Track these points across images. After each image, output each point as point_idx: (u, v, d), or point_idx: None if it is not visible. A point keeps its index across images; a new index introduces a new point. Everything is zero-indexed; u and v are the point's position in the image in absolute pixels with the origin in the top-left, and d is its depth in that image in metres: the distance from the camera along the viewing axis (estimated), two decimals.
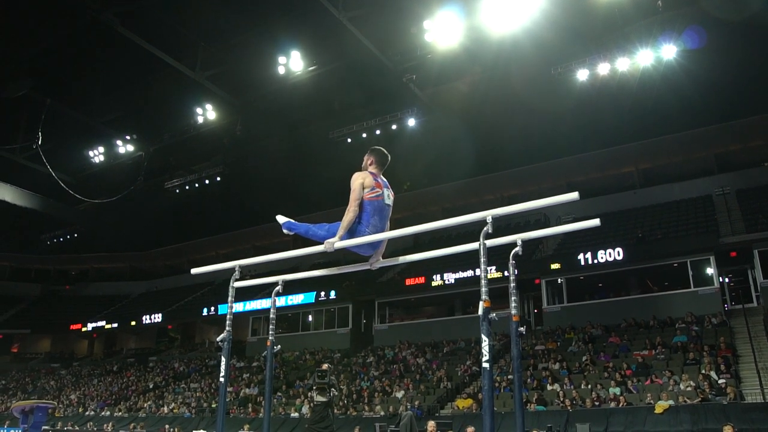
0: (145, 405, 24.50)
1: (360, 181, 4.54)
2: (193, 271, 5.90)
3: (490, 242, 3.94)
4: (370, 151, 4.80)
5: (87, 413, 25.64)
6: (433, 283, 23.39)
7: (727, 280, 20.42)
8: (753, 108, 22.81)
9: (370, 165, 4.72)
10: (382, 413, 17.11)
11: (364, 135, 23.73)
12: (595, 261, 20.13)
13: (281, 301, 25.63)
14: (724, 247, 19.50)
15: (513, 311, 4.01)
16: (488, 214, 3.84)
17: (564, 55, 19.97)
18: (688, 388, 13.76)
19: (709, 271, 19.38)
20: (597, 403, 14.33)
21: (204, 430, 18.85)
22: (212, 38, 21.08)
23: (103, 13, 17.99)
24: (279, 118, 24.99)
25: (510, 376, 16.69)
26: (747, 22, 17.71)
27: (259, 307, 27.50)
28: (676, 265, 19.97)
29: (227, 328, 5.21)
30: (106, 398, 27.35)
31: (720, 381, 13.78)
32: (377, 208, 4.54)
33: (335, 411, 14.45)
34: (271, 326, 5.46)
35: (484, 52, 19.55)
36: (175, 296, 36.25)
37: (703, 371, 14.34)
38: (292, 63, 20.85)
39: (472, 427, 10.96)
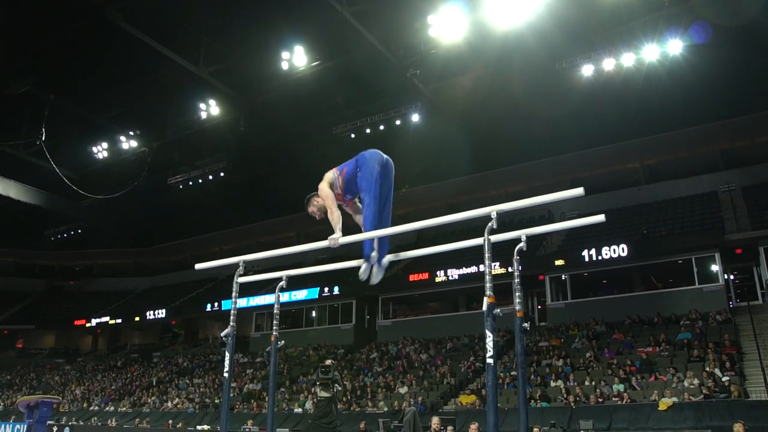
0: (149, 400, 24.60)
1: (325, 185, 4.84)
2: (197, 266, 5.91)
3: (494, 238, 3.94)
4: None
5: (91, 408, 25.77)
6: (437, 279, 23.39)
7: (732, 277, 20.35)
8: (759, 104, 22.66)
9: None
10: (386, 409, 17.16)
11: (368, 130, 23.73)
12: (599, 257, 20.08)
13: (285, 297, 25.67)
14: (729, 243, 19.39)
15: (517, 307, 4.01)
16: (493, 210, 3.84)
17: (568, 50, 19.91)
18: (692, 386, 13.73)
19: (714, 268, 19.31)
20: (601, 400, 14.32)
21: (207, 425, 18.93)
22: (215, 33, 21.08)
23: (106, 8, 18.02)
24: (282, 114, 25.00)
25: (513, 373, 16.69)
26: (750, 20, 17.62)
27: (262, 303, 27.58)
28: (680, 261, 19.91)
29: (231, 324, 5.22)
30: (110, 393, 27.47)
31: (724, 378, 13.73)
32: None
33: (339, 407, 14.49)
34: (275, 322, 5.48)
35: (488, 48, 19.50)
36: (179, 292, 36.34)
37: (708, 368, 14.30)
38: (296, 58, 20.85)
39: (476, 423, 10.97)
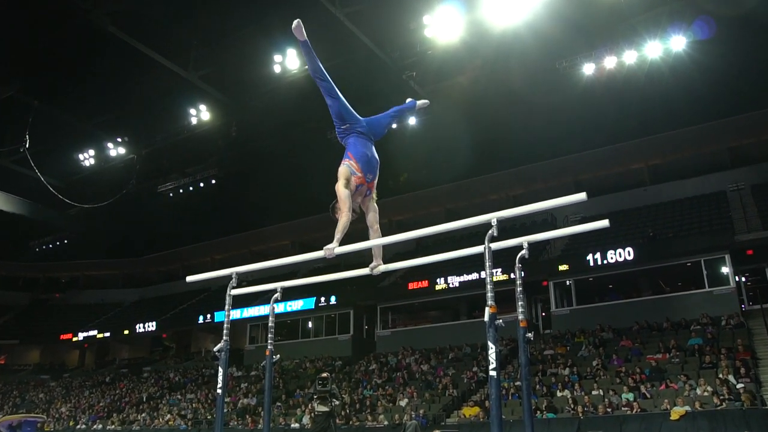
0: (139, 417, 24.50)
1: (341, 184, 4.78)
2: (189, 279, 5.92)
3: (495, 245, 3.96)
4: None
5: (78, 427, 25.63)
6: (437, 287, 23.39)
7: (743, 279, 20.34)
8: (767, 99, 22.75)
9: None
10: (386, 423, 17.11)
11: None
12: (605, 261, 20.08)
13: (280, 308, 25.62)
14: (739, 244, 19.42)
15: (520, 317, 4.02)
16: (493, 217, 3.86)
17: (568, 48, 19.98)
18: (705, 393, 13.71)
19: (725, 270, 19.31)
20: (609, 410, 14.30)
21: None
22: (205, 36, 21.11)
23: (94, 12, 18.03)
24: (275, 118, 25.00)
25: (518, 383, 16.67)
26: (755, 12, 17.71)
27: (257, 314, 27.53)
28: (689, 264, 19.92)
29: (225, 338, 5.22)
30: (99, 411, 27.33)
31: (739, 386, 13.69)
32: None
33: (337, 421, 14.44)
34: (270, 335, 5.48)
35: (486, 48, 19.59)
36: (170, 303, 36.25)
37: (721, 375, 14.26)
38: (288, 61, 20.86)
39: None
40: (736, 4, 17.59)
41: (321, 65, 5.12)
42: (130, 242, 40.15)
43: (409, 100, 5.82)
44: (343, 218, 4.63)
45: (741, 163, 24.75)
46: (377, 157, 5.05)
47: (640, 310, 19.83)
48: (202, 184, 29.25)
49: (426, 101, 5.93)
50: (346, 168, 4.84)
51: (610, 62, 19.55)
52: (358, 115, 5.14)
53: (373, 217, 5.02)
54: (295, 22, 4.90)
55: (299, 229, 35.14)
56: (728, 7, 17.62)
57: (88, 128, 26.01)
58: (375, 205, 5.04)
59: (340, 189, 4.74)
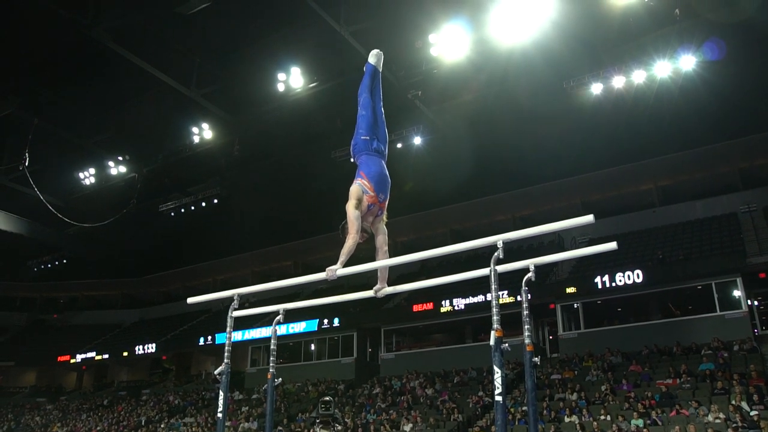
0: None
1: (352, 204, 4.75)
2: (190, 300, 5.94)
3: (501, 268, 3.98)
4: None
5: None
6: (442, 309, 23.30)
7: (755, 303, 20.23)
8: None
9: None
10: None
11: None
12: (613, 284, 20.02)
13: (282, 330, 25.50)
14: (751, 267, 19.30)
15: (527, 341, 4.02)
16: (499, 239, 3.88)
17: (576, 68, 20.10)
18: (718, 420, 13.57)
19: (737, 293, 19.21)
20: None
21: None
22: (208, 54, 21.31)
23: (95, 28, 18.22)
24: (279, 137, 25.14)
25: (525, 408, 16.53)
26: (766, 31, 17.81)
27: (258, 336, 27.43)
28: (700, 287, 19.84)
29: (225, 361, 5.22)
30: None
31: (753, 413, 13.54)
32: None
33: None
34: (271, 358, 5.48)
35: (493, 67, 19.71)
36: (170, 325, 36.17)
37: (734, 402, 14.13)
38: (292, 79, 21.02)
39: None
40: (746, 24, 17.68)
41: (368, 85, 5.29)
42: (130, 262, 40.17)
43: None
44: (350, 241, 4.60)
45: (752, 185, 24.67)
46: (389, 177, 5.06)
47: (650, 334, 19.72)
48: (203, 204, 29.35)
49: (375, 51, 5.47)
50: (358, 187, 4.82)
51: (618, 82, 19.65)
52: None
53: (382, 239, 5.00)
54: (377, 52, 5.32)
55: (302, 249, 35.16)
56: (738, 27, 17.71)
57: (89, 146, 26.16)
58: (384, 227, 5.03)
59: (350, 209, 4.71)
